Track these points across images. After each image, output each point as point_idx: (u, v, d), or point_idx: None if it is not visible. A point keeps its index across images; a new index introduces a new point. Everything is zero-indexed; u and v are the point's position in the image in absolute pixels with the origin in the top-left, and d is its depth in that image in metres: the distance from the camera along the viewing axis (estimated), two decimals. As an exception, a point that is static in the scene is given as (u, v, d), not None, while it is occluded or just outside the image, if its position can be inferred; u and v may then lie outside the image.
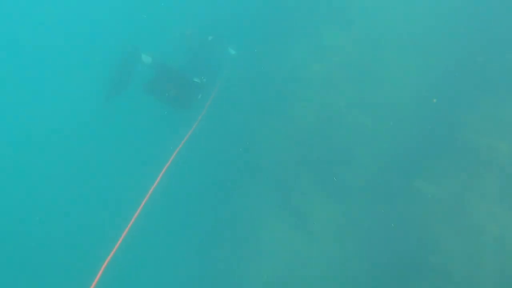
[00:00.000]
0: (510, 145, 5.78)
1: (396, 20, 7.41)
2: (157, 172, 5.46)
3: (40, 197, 9.02)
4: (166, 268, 7.71)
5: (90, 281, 3.80)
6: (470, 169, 5.84)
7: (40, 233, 8.38)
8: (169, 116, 7.16)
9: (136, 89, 6.52)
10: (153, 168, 5.63)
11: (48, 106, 10.16)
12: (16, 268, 8.36)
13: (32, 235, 8.42)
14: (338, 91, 7.08)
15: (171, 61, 6.53)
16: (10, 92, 10.50)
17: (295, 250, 6.61)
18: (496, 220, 5.34)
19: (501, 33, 6.84)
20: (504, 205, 5.39)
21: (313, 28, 7.29)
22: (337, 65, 7.12)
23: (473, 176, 5.77)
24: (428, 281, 5.36)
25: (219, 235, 7.03)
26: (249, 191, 6.98)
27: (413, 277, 5.54)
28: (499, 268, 4.97)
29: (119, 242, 4.10)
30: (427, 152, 6.36)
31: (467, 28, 7.03)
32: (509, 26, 6.73)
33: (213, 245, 7.08)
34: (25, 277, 8.18)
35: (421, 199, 6.04)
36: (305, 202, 6.82)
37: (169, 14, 8.88)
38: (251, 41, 7.52)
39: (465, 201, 5.64)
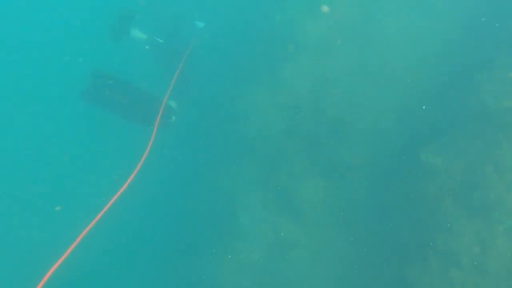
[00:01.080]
0: (535, 108, 4.78)
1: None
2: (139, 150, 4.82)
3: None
4: (141, 246, 7.09)
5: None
6: (485, 137, 4.86)
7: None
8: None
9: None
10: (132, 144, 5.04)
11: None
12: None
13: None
14: (334, 55, 6.22)
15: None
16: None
17: (279, 232, 5.76)
18: (515, 195, 4.34)
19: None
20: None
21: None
22: (333, 25, 6.27)
23: (489, 145, 4.79)
24: (431, 265, 4.39)
25: (196, 215, 6.27)
26: (231, 168, 6.20)
27: (414, 261, 4.58)
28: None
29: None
30: (436, 119, 5.44)
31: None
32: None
33: (189, 226, 6.32)
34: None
35: (427, 173, 5.09)
36: (293, 180, 5.98)
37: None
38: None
39: (479, 174, 4.66)
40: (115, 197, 3.55)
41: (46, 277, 2.52)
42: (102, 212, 3.28)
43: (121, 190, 3.74)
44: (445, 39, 5.88)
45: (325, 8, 6.04)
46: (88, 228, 3.06)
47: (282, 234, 5.72)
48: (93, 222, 3.20)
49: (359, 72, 6.15)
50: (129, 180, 3.89)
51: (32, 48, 11.20)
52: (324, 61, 6.23)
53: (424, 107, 5.35)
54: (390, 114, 5.91)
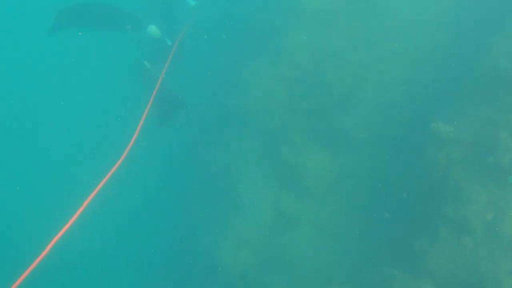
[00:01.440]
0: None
1: None
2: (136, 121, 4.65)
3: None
4: (139, 219, 6.94)
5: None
6: (499, 101, 4.57)
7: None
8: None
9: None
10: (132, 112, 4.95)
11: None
12: None
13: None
14: (339, 24, 5.92)
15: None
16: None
17: (281, 207, 5.54)
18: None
19: None
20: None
21: None
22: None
23: (503, 109, 4.51)
24: (442, 234, 4.14)
25: (196, 190, 6.09)
26: (231, 141, 5.98)
27: (424, 231, 4.33)
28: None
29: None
30: (446, 86, 5.13)
31: None
32: None
33: (189, 200, 6.14)
34: None
35: (438, 142, 4.80)
36: (296, 154, 5.73)
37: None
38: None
39: (493, 139, 4.38)
40: (114, 168, 3.38)
41: (23, 276, 2.35)
42: (101, 185, 3.12)
43: (119, 162, 3.59)
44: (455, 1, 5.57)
45: None
46: (92, 195, 2.95)
47: (284, 209, 5.50)
48: (98, 188, 3.06)
49: (364, 41, 5.86)
50: (126, 150, 3.72)
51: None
52: (328, 31, 5.95)
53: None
54: (398, 84, 5.61)
